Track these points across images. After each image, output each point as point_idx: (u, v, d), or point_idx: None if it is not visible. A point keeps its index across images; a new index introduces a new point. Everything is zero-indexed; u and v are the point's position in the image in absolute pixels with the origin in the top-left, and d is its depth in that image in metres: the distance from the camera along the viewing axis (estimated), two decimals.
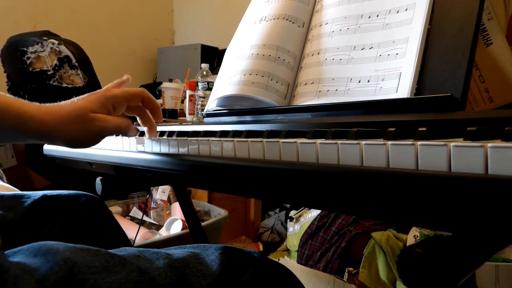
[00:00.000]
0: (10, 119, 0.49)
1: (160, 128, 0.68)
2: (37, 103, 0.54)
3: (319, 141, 0.39)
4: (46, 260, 0.36)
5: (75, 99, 0.56)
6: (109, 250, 0.41)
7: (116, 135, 0.70)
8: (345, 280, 1.32)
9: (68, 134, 0.53)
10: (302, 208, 1.73)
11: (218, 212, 1.71)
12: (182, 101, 2.04)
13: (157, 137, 0.64)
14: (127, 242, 0.71)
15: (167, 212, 1.75)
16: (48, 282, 0.34)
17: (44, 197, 0.65)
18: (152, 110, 0.63)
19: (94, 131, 0.54)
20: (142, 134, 0.70)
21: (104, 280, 0.36)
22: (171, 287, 0.40)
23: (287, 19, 0.68)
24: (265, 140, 0.44)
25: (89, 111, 0.54)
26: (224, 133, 0.55)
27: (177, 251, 0.46)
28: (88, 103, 0.55)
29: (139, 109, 0.62)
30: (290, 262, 1.54)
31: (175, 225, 1.59)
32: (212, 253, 0.46)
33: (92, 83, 1.72)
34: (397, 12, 0.55)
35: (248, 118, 0.67)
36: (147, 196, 1.81)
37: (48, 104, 0.55)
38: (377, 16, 0.57)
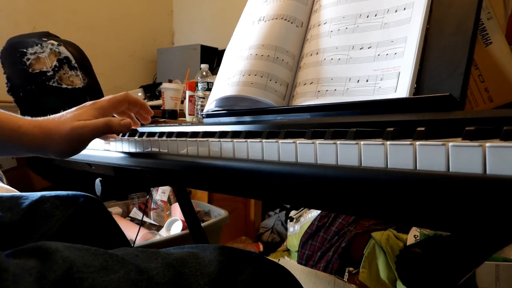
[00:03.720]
0: (5, 133, 0.52)
1: (159, 129, 0.68)
2: (29, 117, 0.57)
3: (318, 141, 0.39)
4: (45, 259, 0.37)
5: (65, 112, 0.59)
6: (108, 250, 0.41)
7: (119, 134, 0.70)
8: (346, 280, 1.32)
9: (57, 147, 0.56)
10: (302, 208, 1.73)
11: (218, 213, 1.71)
12: (182, 102, 2.04)
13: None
14: (126, 242, 0.71)
15: (167, 213, 1.75)
16: (47, 281, 0.34)
17: (42, 198, 0.65)
18: (141, 108, 0.67)
19: (77, 139, 0.57)
20: (141, 134, 0.70)
21: (102, 279, 0.36)
22: (169, 286, 0.40)
23: (285, 19, 0.68)
24: (264, 140, 0.44)
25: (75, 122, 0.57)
26: (223, 134, 0.55)
27: (175, 251, 0.46)
28: (77, 116, 0.58)
29: (124, 112, 0.66)
30: (290, 262, 1.54)
31: (175, 226, 1.59)
32: (210, 253, 0.46)
33: (92, 84, 1.72)
34: (396, 11, 0.55)
35: (247, 118, 0.67)
36: (147, 196, 1.81)
37: (39, 118, 0.58)
38: (376, 15, 0.57)
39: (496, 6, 0.65)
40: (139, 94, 2.53)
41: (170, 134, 0.64)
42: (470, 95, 0.61)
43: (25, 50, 1.76)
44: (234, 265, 0.45)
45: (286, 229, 1.84)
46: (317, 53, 0.62)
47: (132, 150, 0.65)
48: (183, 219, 1.49)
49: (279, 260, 1.53)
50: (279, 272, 0.49)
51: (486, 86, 0.61)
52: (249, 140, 0.46)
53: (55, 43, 1.72)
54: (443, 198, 0.29)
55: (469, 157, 0.28)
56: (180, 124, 0.80)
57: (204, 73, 1.71)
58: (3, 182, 1.24)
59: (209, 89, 1.62)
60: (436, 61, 0.49)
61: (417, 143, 0.31)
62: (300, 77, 0.64)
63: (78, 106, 0.61)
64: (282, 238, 2.00)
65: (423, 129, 0.35)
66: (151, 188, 1.78)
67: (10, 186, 1.20)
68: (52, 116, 0.59)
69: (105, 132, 0.59)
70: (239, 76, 0.68)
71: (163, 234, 1.58)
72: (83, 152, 0.76)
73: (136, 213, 1.78)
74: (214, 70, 2.37)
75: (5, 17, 2.43)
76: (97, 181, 0.78)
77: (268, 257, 0.54)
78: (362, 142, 0.35)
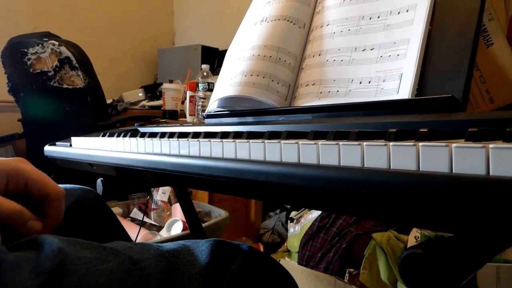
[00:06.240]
0: None
1: (161, 129, 0.68)
2: None
3: (320, 142, 0.39)
4: (41, 249, 0.38)
5: None
6: (102, 244, 0.42)
7: (116, 137, 0.70)
8: (346, 281, 1.32)
9: None
10: (303, 209, 1.73)
11: (219, 213, 1.71)
12: (183, 102, 2.04)
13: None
14: (125, 235, 0.70)
15: (167, 213, 1.75)
16: (42, 268, 0.35)
17: None
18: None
19: None
20: (142, 135, 0.70)
21: (96, 268, 0.37)
22: (162, 275, 0.40)
23: (288, 20, 0.68)
24: (266, 141, 0.44)
25: None
26: (225, 134, 0.55)
27: (168, 244, 0.47)
28: None
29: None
30: (290, 263, 1.54)
31: (176, 226, 1.59)
32: (202, 245, 0.47)
33: (93, 84, 1.72)
34: (398, 13, 0.55)
35: (249, 119, 0.67)
36: (148, 197, 1.81)
37: None
38: (378, 17, 0.57)
39: (497, 7, 0.65)
40: (140, 94, 2.53)
41: (171, 135, 0.64)
42: (471, 96, 0.61)
43: (26, 50, 1.77)
44: (225, 255, 0.46)
45: (287, 230, 1.84)
46: (319, 55, 0.62)
47: (134, 150, 0.65)
48: (183, 219, 1.49)
49: (279, 260, 1.53)
50: (270, 264, 0.50)
51: (487, 87, 0.61)
52: (251, 140, 0.46)
53: (56, 43, 1.73)
54: (446, 199, 0.29)
55: (473, 158, 0.28)
56: (181, 125, 0.80)
57: (204, 74, 1.71)
58: None
59: (209, 89, 1.63)
60: (438, 62, 0.49)
61: (420, 144, 0.31)
62: (302, 78, 0.64)
63: None
64: (283, 238, 2.00)
65: (425, 130, 0.35)
66: (152, 189, 1.78)
67: None
68: None
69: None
70: (241, 77, 0.68)
71: (164, 234, 1.58)
72: (85, 152, 0.76)
73: (136, 213, 1.78)
74: (214, 70, 2.37)
75: (5, 17, 2.43)
76: (99, 181, 0.78)
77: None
78: (364, 143, 0.35)
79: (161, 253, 0.43)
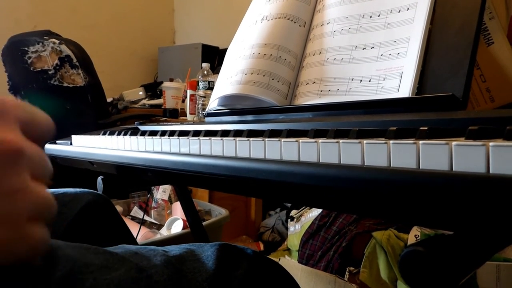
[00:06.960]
0: None
1: (161, 128, 0.68)
2: None
3: (320, 140, 0.39)
4: (50, 256, 0.37)
5: None
6: (107, 248, 0.42)
7: (119, 134, 0.70)
8: (346, 279, 1.32)
9: None
10: (303, 207, 1.73)
11: (219, 212, 1.71)
12: (183, 101, 2.04)
13: None
14: (132, 241, 0.71)
15: (168, 212, 1.75)
16: (52, 277, 0.35)
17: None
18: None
19: None
20: (143, 133, 0.70)
21: (103, 277, 0.37)
22: (169, 283, 0.40)
23: (288, 19, 0.68)
24: (266, 139, 0.44)
25: None
26: (225, 133, 0.55)
27: (173, 248, 0.47)
28: None
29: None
30: (291, 262, 1.54)
31: (176, 225, 1.59)
32: (207, 250, 0.47)
33: (93, 83, 1.72)
34: (399, 11, 0.55)
35: (249, 117, 0.67)
36: (148, 195, 1.81)
37: None
38: (379, 15, 0.57)
39: (498, 6, 0.65)
40: (140, 93, 2.53)
41: (172, 133, 0.64)
42: (472, 95, 0.61)
43: (26, 49, 1.77)
44: (230, 260, 0.46)
45: (287, 228, 1.84)
46: (320, 53, 0.62)
47: (135, 148, 0.65)
48: (184, 218, 1.49)
49: (279, 259, 1.53)
50: (274, 268, 0.50)
51: (488, 86, 0.61)
52: (251, 138, 0.46)
53: (57, 41, 1.73)
54: (446, 197, 0.29)
55: (473, 157, 0.28)
56: (181, 123, 0.80)
57: (205, 72, 1.71)
58: None
59: (210, 88, 1.62)
60: (438, 61, 0.49)
61: (420, 142, 0.31)
62: (302, 76, 0.64)
63: None
64: (283, 237, 2.00)
65: (426, 128, 0.35)
66: (152, 187, 1.79)
67: None
68: None
69: None
70: (241, 75, 0.68)
71: (164, 233, 1.59)
72: (85, 150, 0.76)
73: (136, 211, 1.78)
74: (215, 69, 2.37)
75: (6, 16, 2.43)
76: (99, 179, 0.78)
77: (268, 256, 0.54)
78: (365, 141, 0.35)
79: (167, 260, 0.42)
